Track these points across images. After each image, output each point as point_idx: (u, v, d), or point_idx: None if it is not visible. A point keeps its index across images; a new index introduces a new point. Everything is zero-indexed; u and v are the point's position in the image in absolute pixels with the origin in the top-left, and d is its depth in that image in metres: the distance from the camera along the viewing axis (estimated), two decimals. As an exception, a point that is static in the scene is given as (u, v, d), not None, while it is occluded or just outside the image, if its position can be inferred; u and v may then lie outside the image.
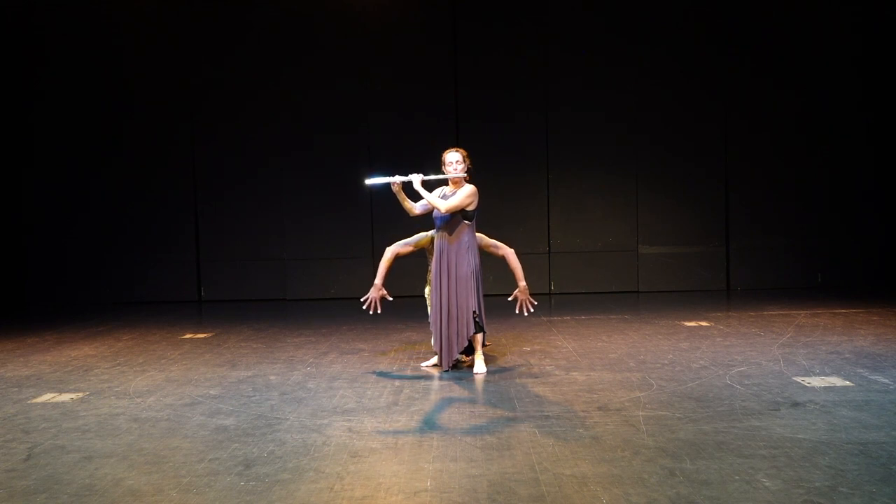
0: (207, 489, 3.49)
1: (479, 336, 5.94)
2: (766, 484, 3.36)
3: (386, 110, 11.36)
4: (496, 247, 6.19)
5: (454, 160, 5.85)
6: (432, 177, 5.87)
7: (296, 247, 11.50)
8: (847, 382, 5.21)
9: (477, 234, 6.02)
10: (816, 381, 5.25)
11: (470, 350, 6.05)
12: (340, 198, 11.31)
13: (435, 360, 6.12)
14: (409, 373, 5.98)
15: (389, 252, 6.14)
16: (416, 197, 5.90)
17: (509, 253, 6.17)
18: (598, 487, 3.38)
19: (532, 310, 6.09)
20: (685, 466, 3.61)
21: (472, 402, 5.08)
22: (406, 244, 6.16)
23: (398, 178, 5.78)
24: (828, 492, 3.26)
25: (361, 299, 6.17)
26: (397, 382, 5.61)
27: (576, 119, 11.33)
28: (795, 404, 4.67)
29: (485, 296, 6.01)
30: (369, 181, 5.99)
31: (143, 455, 4.02)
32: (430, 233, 6.15)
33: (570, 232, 11.42)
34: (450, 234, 5.81)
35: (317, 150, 11.39)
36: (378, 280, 6.10)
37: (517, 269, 6.13)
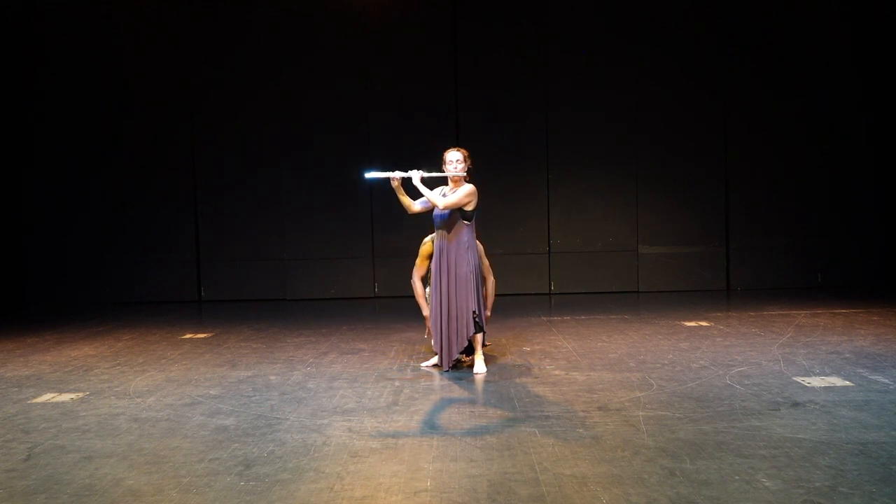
0: (207, 489, 3.49)
1: (479, 336, 5.94)
2: (766, 484, 3.36)
3: (386, 110, 11.35)
4: (487, 270, 6.36)
5: (455, 159, 5.85)
6: (432, 174, 5.88)
7: (296, 247, 11.50)
8: (847, 382, 5.21)
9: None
10: (816, 381, 5.25)
11: (470, 350, 6.05)
12: (340, 198, 11.32)
13: (435, 360, 6.12)
14: (409, 373, 5.98)
15: (416, 282, 6.32)
16: (415, 194, 5.91)
17: (492, 283, 6.39)
18: (598, 487, 3.38)
19: None
20: (685, 466, 3.61)
21: (472, 402, 5.07)
22: (420, 266, 6.31)
23: (398, 174, 5.80)
24: (828, 492, 3.26)
25: (425, 336, 6.34)
26: (397, 382, 5.61)
27: (576, 119, 11.33)
28: (795, 404, 4.67)
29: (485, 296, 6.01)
30: (369, 175, 6.00)
31: (143, 455, 4.02)
32: (429, 238, 6.21)
33: (570, 232, 11.42)
34: (449, 233, 5.81)
35: (317, 150, 11.39)
36: (425, 311, 6.28)
37: (490, 298, 6.38)
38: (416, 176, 5.78)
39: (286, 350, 7.11)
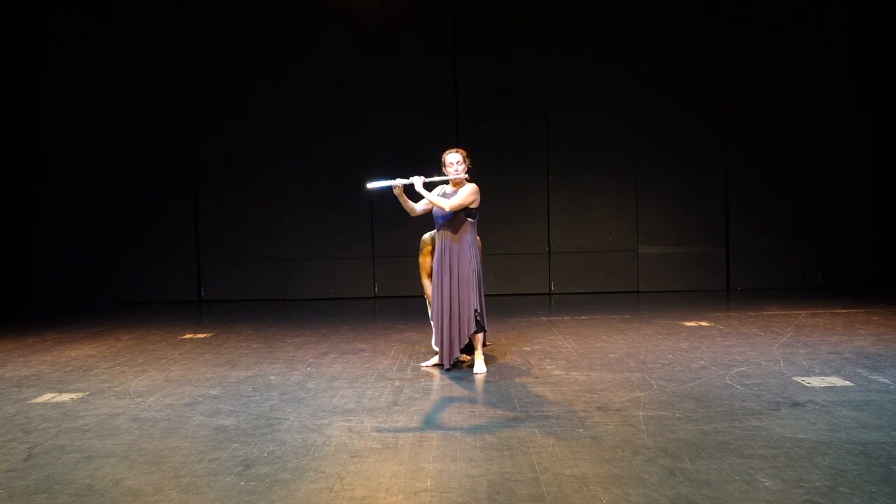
0: (207, 489, 3.49)
1: (480, 336, 5.94)
2: (766, 484, 3.36)
3: (386, 110, 11.36)
4: None
5: (454, 161, 5.84)
6: (433, 178, 5.86)
7: (296, 247, 11.51)
8: (847, 382, 5.21)
9: None
10: (816, 381, 5.25)
11: (470, 349, 6.05)
12: (340, 198, 11.32)
13: (435, 359, 6.12)
14: (409, 373, 5.97)
15: (426, 282, 6.30)
16: (417, 197, 5.90)
17: None
18: (598, 487, 3.38)
19: None
20: (685, 466, 3.61)
21: (472, 402, 5.07)
22: (424, 266, 6.28)
23: (399, 182, 5.77)
24: (828, 492, 3.26)
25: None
26: (397, 382, 5.61)
27: (576, 119, 11.33)
28: (795, 404, 4.67)
29: (485, 296, 6.01)
30: (371, 185, 5.94)
31: (143, 455, 4.01)
32: (428, 235, 6.20)
33: (570, 232, 11.42)
34: (452, 232, 5.81)
35: (317, 150, 11.40)
36: None
37: None
38: (417, 182, 5.76)
39: (286, 350, 7.11)
